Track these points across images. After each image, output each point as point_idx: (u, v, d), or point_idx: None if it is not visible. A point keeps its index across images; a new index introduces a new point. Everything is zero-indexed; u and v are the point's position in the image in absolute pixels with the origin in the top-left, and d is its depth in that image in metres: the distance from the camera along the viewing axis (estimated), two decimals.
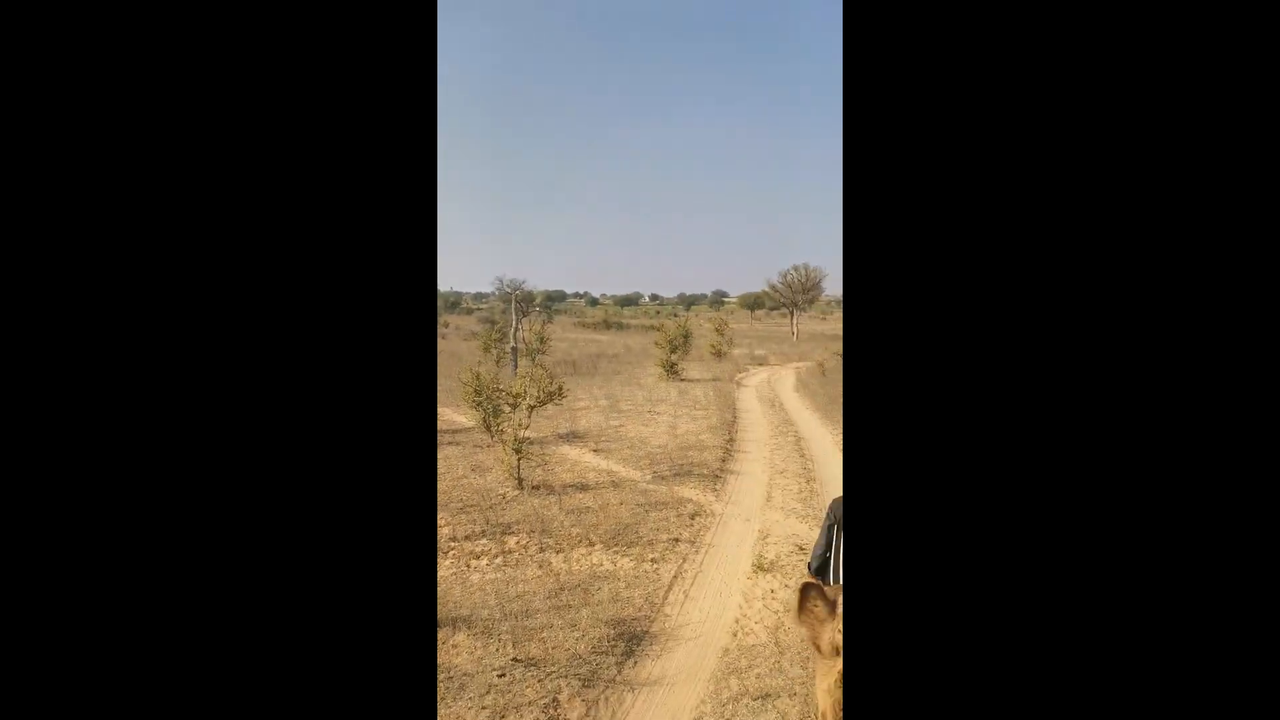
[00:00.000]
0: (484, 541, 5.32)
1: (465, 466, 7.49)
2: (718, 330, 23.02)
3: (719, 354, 21.85)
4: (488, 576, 4.70)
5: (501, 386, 8.19)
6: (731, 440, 9.55)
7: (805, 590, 0.87)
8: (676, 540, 5.44)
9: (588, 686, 3.37)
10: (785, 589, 4.59)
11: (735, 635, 3.96)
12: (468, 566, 4.89)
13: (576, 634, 3.86)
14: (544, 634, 3.84)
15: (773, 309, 49.02)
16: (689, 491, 6.84)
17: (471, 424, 9.09)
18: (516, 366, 14.54)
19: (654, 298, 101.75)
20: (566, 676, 3.42)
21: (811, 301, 41.27)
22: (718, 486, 7.14)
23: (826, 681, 0.83)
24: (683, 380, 16.00)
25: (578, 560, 5.01)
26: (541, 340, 18.92)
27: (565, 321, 40.85)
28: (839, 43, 0.94)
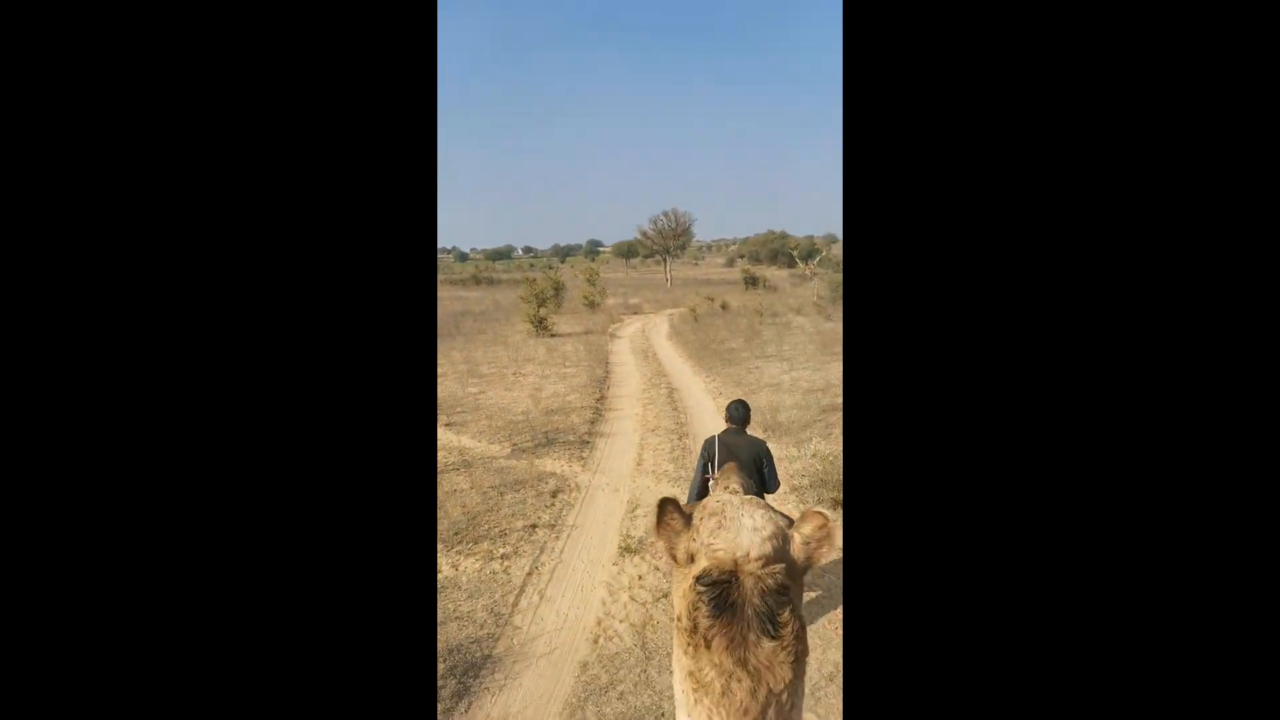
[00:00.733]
0: None
1: None
2: (589, 280, 22.27)
3: (592, 305, 21.17)
4: None
5: None
6: (602, 399, 8.94)
7: (662, 506, 0.89)
8: (534, 527, 4.73)
9: None
10: (655, 572, 4.05)
11: (597, 642, 3.36)
12: None
13: None
14: None
15: (647, 257, 49.04)
16: (552, 464, 6.13)
17: None
18: None
19: (528, 250, 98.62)
20: None
21: (683, 247, 41.51)
22: (585, 453, 6.50)
23: (682, 586, 0.85)
24: (553, 336, 15.12)
25: None
26: None
27: None
28: None
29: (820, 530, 0.83)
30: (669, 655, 3.22)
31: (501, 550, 4.36)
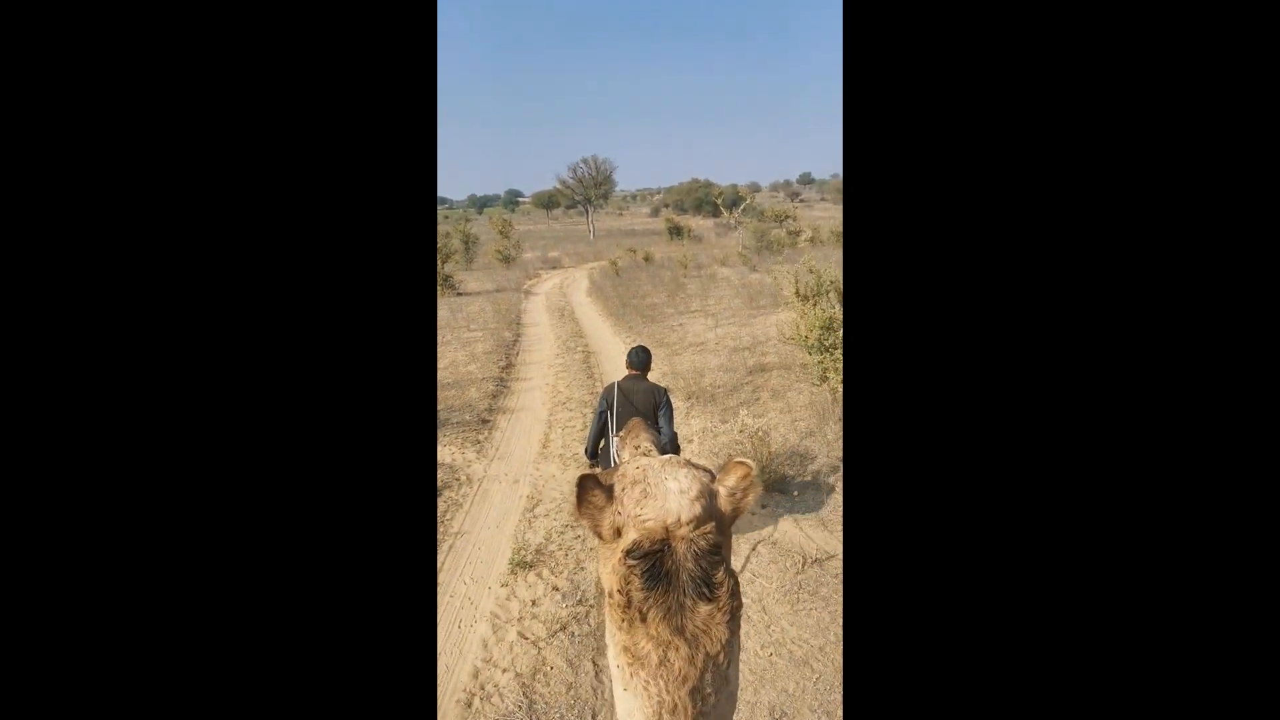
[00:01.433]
0: None
1: None
2: (502, 233, 20.81)
3: (507, 260, 19.81)
4: None
5: None
6: (509, 367, 8.00)
7: (582, 484, 0.86)
8: None
9: None
10: (553, 595, 3.30)
11: (471, 705, 2.59)
12: None
13: None
14: None
15: (569, 207, 47.23)
16: (441, 451, 5.22)
17: None
18: None
19: (442, 201, 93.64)
20: None
21: (605, 196, 40.02)
22: (482, 436, 5.62)
23: (610, 563, 0.83)
24: (459, 295, 13.85)
25: None
26: None
27: None
28: None
29: (744, 480, 0.85)
30: (567, 706, 2.49)
31: None
